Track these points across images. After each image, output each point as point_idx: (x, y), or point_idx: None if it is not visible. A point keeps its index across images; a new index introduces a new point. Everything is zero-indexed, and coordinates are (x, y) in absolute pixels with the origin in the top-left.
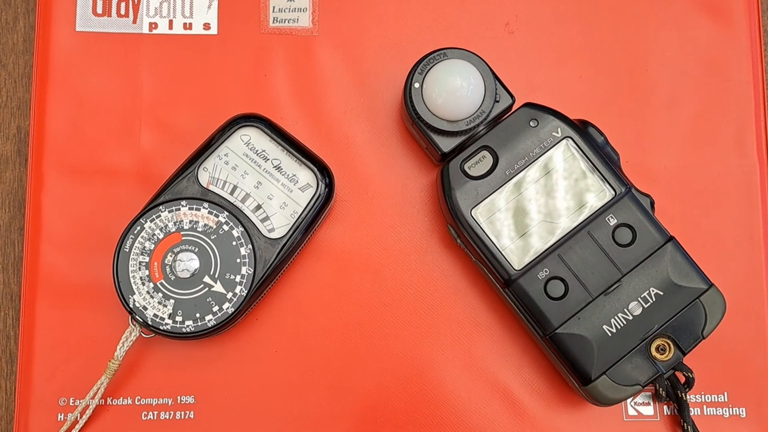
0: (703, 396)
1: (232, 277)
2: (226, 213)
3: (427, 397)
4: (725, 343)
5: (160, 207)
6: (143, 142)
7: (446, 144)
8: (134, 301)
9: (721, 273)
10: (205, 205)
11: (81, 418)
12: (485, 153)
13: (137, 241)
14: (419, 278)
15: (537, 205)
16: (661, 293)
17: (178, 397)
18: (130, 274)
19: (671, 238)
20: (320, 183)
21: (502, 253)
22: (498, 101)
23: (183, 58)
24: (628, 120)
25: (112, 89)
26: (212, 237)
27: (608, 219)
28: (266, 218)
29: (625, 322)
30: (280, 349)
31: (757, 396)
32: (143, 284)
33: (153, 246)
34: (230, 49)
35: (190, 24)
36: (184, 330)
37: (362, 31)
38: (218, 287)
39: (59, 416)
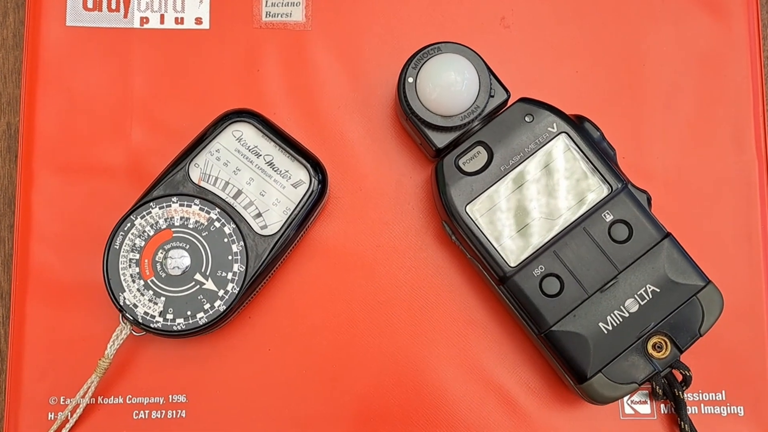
0: (700, 394)
1: (224, 274)
2: (218, 210)
3: (422, 395)
4: (723, 341)
5: (151, 203)
6: (134, 138)
7: (441, 139)
8: (124, 298)
9: (718, 270)
10: (197, 201)
11: (71, 417)
12: (480, 148)
13: (127, 238)
14: (414, 275)
15: (532, 202)
16: (658, 290)
17: (170, 396)
18: (120, 272)
19: (668, 235)
20: (313, 179)
21: (497, 249)
22: (493, 96)
23: (174, 54)
24: (625, 116)
25: (103, 85)
26: (204, 234)
27: (604, 215)
28: (258, 215)
29: (621, 320)
30: (273, 348)
31: (755, 394)
32: (133, 282)
33: (143, 243)
34: (222, 44)
35: (182, 18)
36: (175, 328)
37: (356, 26)
38: (210, 285)
39: (50, 415)
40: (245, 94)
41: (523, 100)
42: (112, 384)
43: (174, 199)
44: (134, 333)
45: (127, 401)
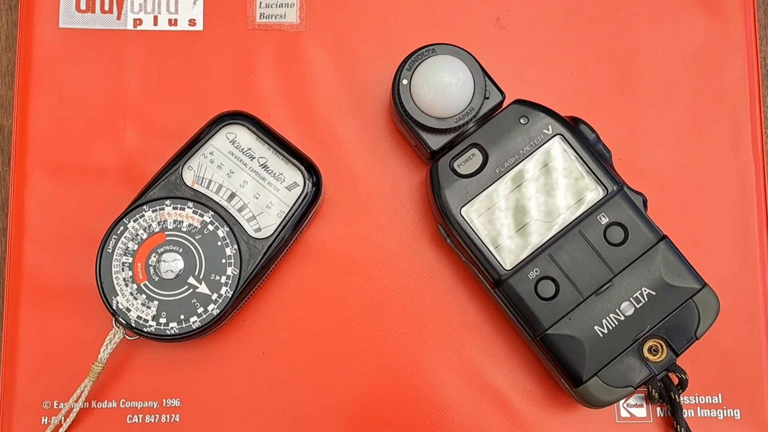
0: (697, 397)
1: (218, 278)
2: (211, 212)
3: (417, 398)
4: (719, 344)
5: (144, 206)
6: (128, 140)
7: (435, 142)
8: (117, 302)
9: (715, 272)
10: (190, 204)
11: (65, 421)
12: (475, 151)
13: (120, 242)
14: (409, 278)
15: (527, 204)
16: (654, 293)
17: (164, 400)
18: (113, 276)
19: (664, 237)
20: (307, 182)
21: (492, 252)
22: (488, 98)
23: (168, 55)
24: (620, 117)
25: (96, 87)
26: (197, 237)
27: (600, 218)
28: (252, 218)
29: (616, 323)
30: (268, 351)
31: (752, 397)
32: (126, 285)
33: (136, 246)
34: (216, 45)
35: (176, 20)
36: (168, 332)
37: (350, 27)
38: (203, 288)
39: (43, 419)
40: (239, 96)
41: (518, 101)
42: (105, 388)
43: (167, 202)
44: (127, 337)
45: (121, 405)
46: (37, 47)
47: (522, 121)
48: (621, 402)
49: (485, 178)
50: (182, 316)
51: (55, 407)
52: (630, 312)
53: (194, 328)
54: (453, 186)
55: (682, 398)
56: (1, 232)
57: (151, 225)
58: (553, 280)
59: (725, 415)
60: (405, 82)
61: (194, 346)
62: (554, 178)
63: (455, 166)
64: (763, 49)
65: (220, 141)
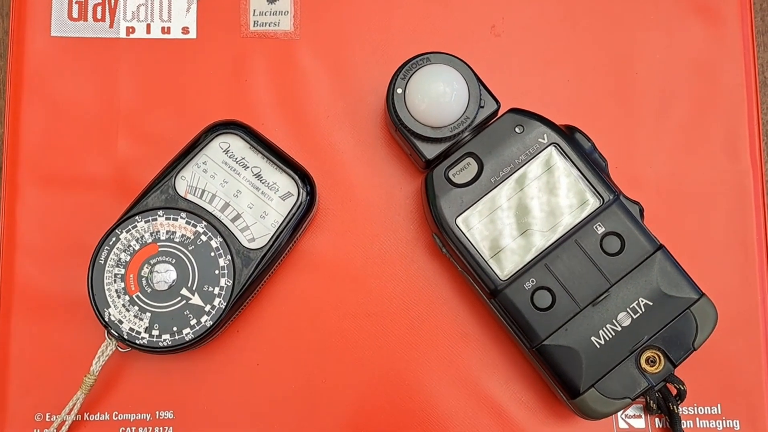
0: (695, 408)
1: (211, 289)
2: (204, 223)
3: (413, 410)
4: (718, 354)
5: (136, 217)
6: (120, 149)
7: (430, 151)
8: (110, 314)
9: (712, 282)
10: (183, 214)
11: None
12: (470, 160)
13: (113, 253)
14: (404, 288)
15: (523, 213)
16: (651, 303)
17: (157, 413)
18: (106, 287)
19: (661, 247)
20: (301, 191)
21: (488, 262)
22: (483, 107)
23: (161, 64)
24: (616, 125)
25: (89, 96)
26: (190, 248)
27: (596, 227)
28: (246, 228)
29: (613, 334)
30: (262, 362)
31: (751, 408)
32: (119, 297)
33: (129, 258)
34: (209, 53)
35: (169, 28)
36: (161, 344)
37: (345, 35)
38: (196, 300)
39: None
40: (232, 105)
41: (513, 110)
42: (98, 400)
43: (160, 212)
44: (120, 349)
45: (114, 418)
46: (29, 56)
47: (517, 130)
48: (619, 413)
49: (480, 188)
50: (175, 328)
51: (47, 420)
52: (627, 322)
53: (187, 340)
54: (448, 195)
55: (680, 409)
56: None
57: (143, 236)
58: (549, 290)
59: (724, 425)
60: (399, 91)
61: (187, 358)
62: (550, 188)
63: (450, 175)
64: (761, 55)
65: (214, 150)
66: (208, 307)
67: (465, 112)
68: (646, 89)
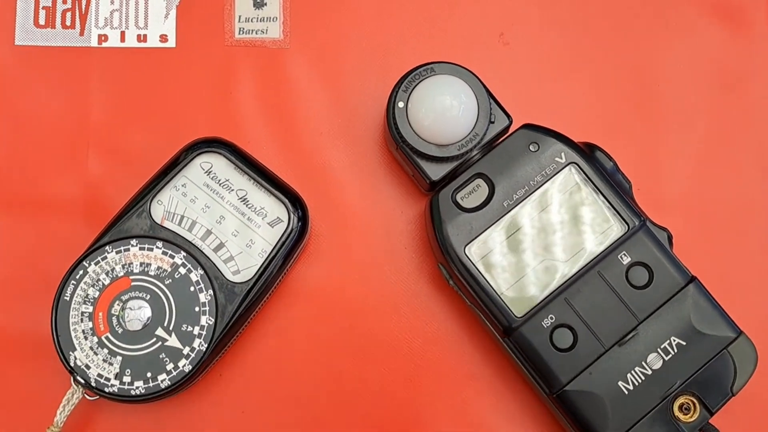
0: None
1: (190, 329)
2: (183, 253)
3: None
4: (758, 399)
5: (107, 247)
6: (91, 170)
7: (435, 171)
8: (75, 358)
9: (750, 318)
10: (159, 244)
11: None
12: (480, 181)
13: (79, 288)
14: (407, 324)
15: (540, 242)
16: (684, 343)
17: None
18: (71, 327)
19: (693, 279)
20: (292, 216)
21: (501, 297)
22: (493, 122)
23: (137, 75)
24: (638, 142)
25: (56, 110)
26: (167, 282)
27: (621, 257)
28: (230, 258)
29: (643, 378)
30: (248, 410)
31: None
32: (86, 339)
33: (97, 293)
34: (190, 63)
35: (145, 36)
36: (133, 392)
37: (340, 43)
38: (173, 341)
39: None
40: (216, 120)
41: (526, 126)
42: None
43: (133, 241)
44: (87, 397)
45: None
46: None
47: (532, 148)
48: None
49: (492, 212)
50: (149, 374)
51: None
52: (658, 365)
53: (163, 387)
54: (456, 221)
55: None
56: None
57: (114, 268)
58: (570, 328)
59: None
60: (401, 104)
61: (164, 407)
62: (569, 213)
63: (458, 198)
64: None
65: (194, 171)
66: (186, 350)
67: (474, 128)
68: (668, 102)
